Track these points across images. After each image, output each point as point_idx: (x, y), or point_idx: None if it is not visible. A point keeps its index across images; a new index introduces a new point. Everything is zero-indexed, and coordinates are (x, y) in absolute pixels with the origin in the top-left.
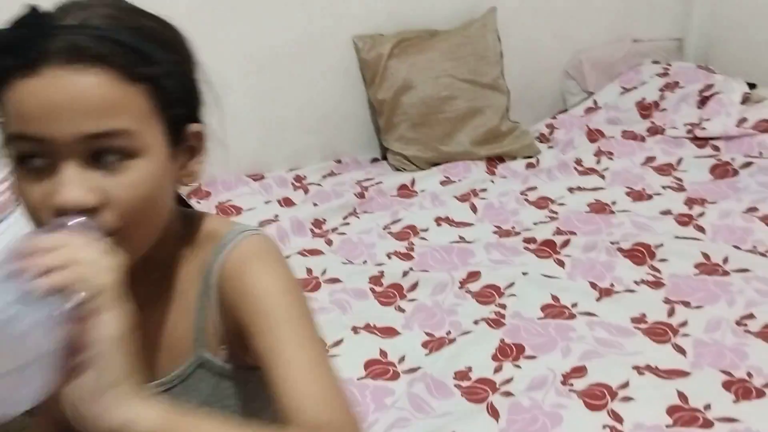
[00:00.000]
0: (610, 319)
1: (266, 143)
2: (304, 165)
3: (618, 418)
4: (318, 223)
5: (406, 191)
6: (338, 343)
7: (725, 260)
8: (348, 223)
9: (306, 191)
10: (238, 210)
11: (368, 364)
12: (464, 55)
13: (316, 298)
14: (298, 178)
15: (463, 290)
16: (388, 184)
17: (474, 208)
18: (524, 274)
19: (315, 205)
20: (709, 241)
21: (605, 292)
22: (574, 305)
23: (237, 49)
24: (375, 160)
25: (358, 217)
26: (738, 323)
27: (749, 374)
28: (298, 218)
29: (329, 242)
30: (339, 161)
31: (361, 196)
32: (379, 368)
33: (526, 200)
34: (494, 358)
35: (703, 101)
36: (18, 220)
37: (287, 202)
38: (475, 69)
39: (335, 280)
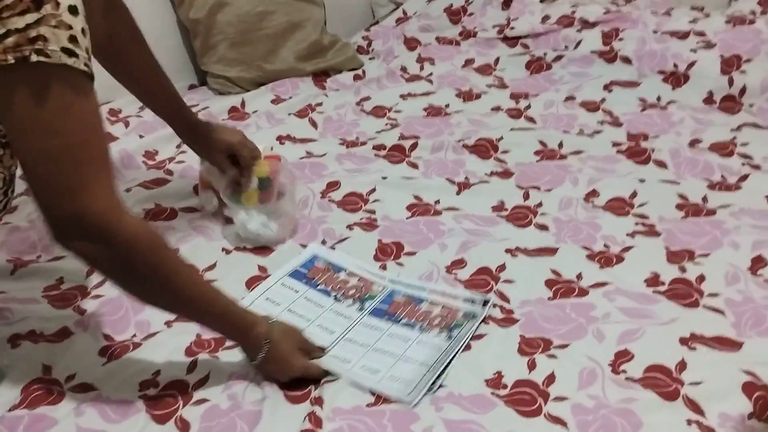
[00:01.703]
0: (473, 210)
1: None
2: (117, 97)
3: (504, 297)
4: (150, 154)
5: (237, 113)
6: (212, 267)
7: (560, 145)
8: (184, 151)
9: (126, 125)
10: None
11: (251, 282)
12: None
13: (175, 227)
14: (113, 112)
15: (326, 200)
16: (215, 108)
17: (314, 123)
18: (384, 178)
19: (141, 137)
20: (542, 129)
21: (463, 186)
22: (437, 202)
23: None
24: (192, 86)
25: None
26: (586, 200)
27: (606, 245)
28: (127, 151)
29: (169, 172)
30: None
31: None
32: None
33: (363, 111)
34: (376, 258)
35: (507, 3)
36: None
37: (108, 137)
38: None
39: (191, 209)
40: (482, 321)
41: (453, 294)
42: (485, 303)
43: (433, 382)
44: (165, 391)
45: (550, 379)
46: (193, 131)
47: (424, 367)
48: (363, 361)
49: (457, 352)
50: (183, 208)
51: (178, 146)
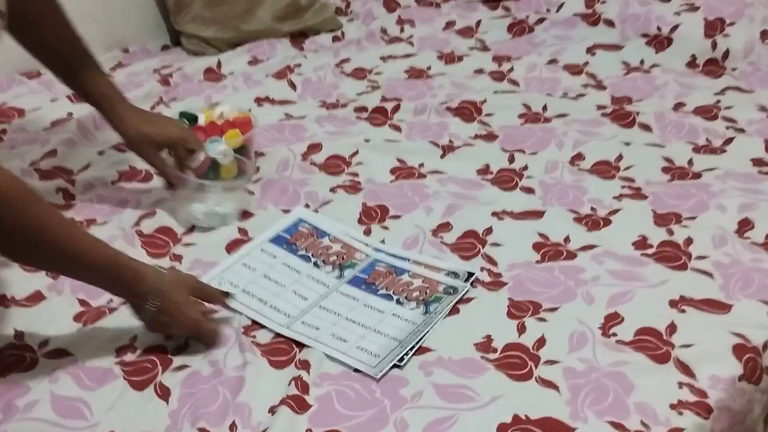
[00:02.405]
0: (458, 173)
1: None
2: None
3: (492, 261)
4: None
5: (213, 75)
6: (190, 230)
7: (544, 108)
8: (159, 113)
9: None
10: (21, 112)
11: (231, 246)
12: None
13: (150, 189)
14: None
15: (308, 162)
16: (191, 69)
17: (293, 85)
18: (366, 141)
19: None
20: (525, 92)
21: (447, 149)
22: (421, 165)
23: None
24: (165, 47)
25: (168, 107)
26: (571, 163)
27: (593, 208)
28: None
29: None
30: (126, 50)
31: (165, 83)
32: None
33: (343, 72)
34: (360, 221)
35: None
36: None
37: (79, 98)
38: None
39: None
40: (462, 296)
41: (437, 266)
42: (469, 276)
43: (401, 357)
44: (143, 357)
45: (540, 342)
46: (123, 115)
47: (395, 342)
48: (333, 329)
49: (430, 329)
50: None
51: (153, 107)
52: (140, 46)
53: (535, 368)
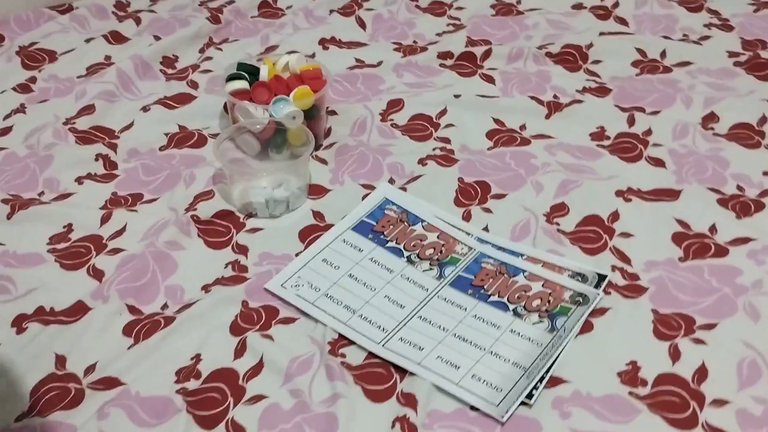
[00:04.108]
0: (569, 139)
1: None
2: None
3: (624, 257)
4: (169, 61)
5: (270, 9)
6: (254, 213)
7: (663, 54)
8: (210, 57)
9: (138, 21)
10: (52, 55)
11: (304, 233)
12: None
13: (204, 157)
14: (120, 5)
15: (388, 124)
16: (244, 2)
17: (362, 23)
18: (456, 96)
19: (157, 38)
20: (637, 34)
21: (553, 107)
22: (523, 127)
23: None
24: None
25: (219, 49)
26: (704, 126)
27: (739, 187)
28: (141, 57)
29: (194, 84)
30: None
31: (215, 20)
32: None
33: (418, 7)
34: (457, 202)
35: None
36: None
37: (117, 38)
38: None
39: None
40: (594, 306)
41: (558, 266)
42: (600, 279)
43: (530, 393)
44: (209, 384)
45: (701, 373)
46: None
47: (519, 370)
48: (440, 350)
49: (561, 352)
50: (214, 134)
51: (202, 50)
52: None
53: (700, 411)
